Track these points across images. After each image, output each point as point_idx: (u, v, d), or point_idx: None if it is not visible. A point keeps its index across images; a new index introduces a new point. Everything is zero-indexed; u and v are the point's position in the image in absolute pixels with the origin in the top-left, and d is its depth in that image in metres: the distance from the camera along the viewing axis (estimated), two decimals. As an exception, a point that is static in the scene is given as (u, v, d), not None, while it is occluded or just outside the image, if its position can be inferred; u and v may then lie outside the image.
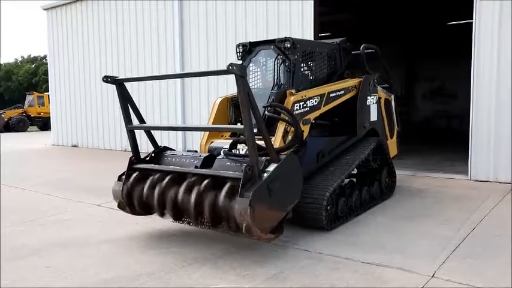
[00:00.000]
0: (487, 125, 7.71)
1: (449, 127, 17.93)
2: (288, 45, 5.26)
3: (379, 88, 6.65)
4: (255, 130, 3.98)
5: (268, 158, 4.12)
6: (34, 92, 32.54)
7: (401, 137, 7.56)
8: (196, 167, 4.54)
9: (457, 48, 14.47)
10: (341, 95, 5.75)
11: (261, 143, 4.13)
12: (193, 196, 4.15)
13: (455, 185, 7.55)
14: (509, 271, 3.77)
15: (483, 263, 3.99)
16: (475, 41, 7.78)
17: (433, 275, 3.70)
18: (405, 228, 5.08)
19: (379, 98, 6.58)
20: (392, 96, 7.17)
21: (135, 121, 5.01)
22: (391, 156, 6.86)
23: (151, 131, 5.19)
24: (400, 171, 8.17)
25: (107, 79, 4.69)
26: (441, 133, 16.75)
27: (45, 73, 32.13)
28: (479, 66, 7.76)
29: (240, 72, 3.69)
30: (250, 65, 5.68)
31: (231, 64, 3.65)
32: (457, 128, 16.09)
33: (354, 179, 6.10)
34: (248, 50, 5.69)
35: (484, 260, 4.04)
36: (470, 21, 7.87)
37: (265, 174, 3.95)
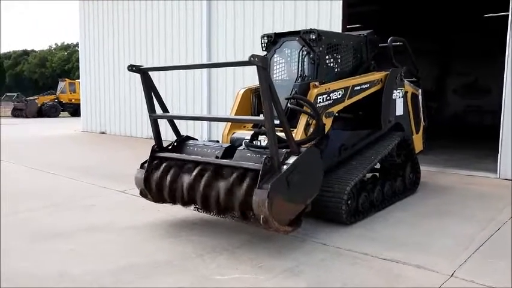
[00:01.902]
0: (519, 121, 7.45)
1: (482, 123, 17.43)
2: (313, 37, 5.20)
3: (406, 82, 6.51)
4: (277, 122, 3.97)
5: (288, 150, 4.11)
6: (66, 79, 33.32)
7: (430, 132, 7.39)
8: (217, 157, 4.57)
9: (494, 42, 14.00)
10: (366, 88, 5.66)
11: (283, 134, 4.12)
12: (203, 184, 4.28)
13: (483, 183, 7.36)
14: (533, 274, 3.67)
15: (506, 264, 3.88)
16: (510, 33, 7.51)
17: (452, 274, 3.63)
18: (427, 225, 5.00)
19: (406, 92, 6.45)
20: (420, 91, 7.02)
21: (159, 110, 5.07)
22: (417, 152, 6.73)
23: (174, 121, 5.25)
24: (426, 167, 8.03)
25: (132, 68, 4.76)
26: (474, 129, 16.27)
27: (78, 60, 32.82)
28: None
29: (262, 64, 3.67)
30: (275, 56, 5.65)
31: (252, 55, 3.64)
32: (490, 124, 15.61)
33: (377, 174, 6.02)
34: (273, 41, 5.66)
35: (507, 262, 3.93)
36: (507, 13, 7.60)
37: (285, 167, 3.95)
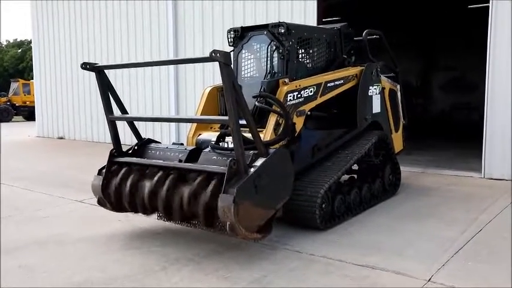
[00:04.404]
0: (503, 118, 7.68)
1: (469, 120, 17.81)
2: (282, 31, 5.27)
3: (383, 77, 6.65)
4: (244, 121, 4.02)
5: (256, 152, 4.16)
6: (19, 79, 32.71)
7: (415, 131, 7.53)
8: (180, 161, 4.59)
9: (479, 34, 14.35)
10: (340, 85, 5.77)
11: (250, 135, 4.16)
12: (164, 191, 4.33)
13: (467, 183, 7.57)
14: (512, 276, 3.81)
15: (486, 267, 4.02)
16: (491, 25, 7.74)
17: (430, 279, 3.74)
18: (406, 229, 5.12)
19: (383, 88, 6.59)
20: (398, 87, 7.18)
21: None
22: (396, 152, 6.88)
23: (135, 122, 5.26)
24: (408, 168, 8.22)
25: (86, 66, 4.74)
26: (460, 127, 16.63)
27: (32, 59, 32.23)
28: (495, 54, 7.74)
29: (223, 60, 3.72)
30: (243, 51, 5.72)
31: (214, 51, 3.68)
32: (478, 121, 15.97)
33: (355, 176, 6.13)
34: (240, 35, 5.72)
35: (487, 264, 4.08)
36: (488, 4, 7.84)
37: (252, 169, 4.00)
